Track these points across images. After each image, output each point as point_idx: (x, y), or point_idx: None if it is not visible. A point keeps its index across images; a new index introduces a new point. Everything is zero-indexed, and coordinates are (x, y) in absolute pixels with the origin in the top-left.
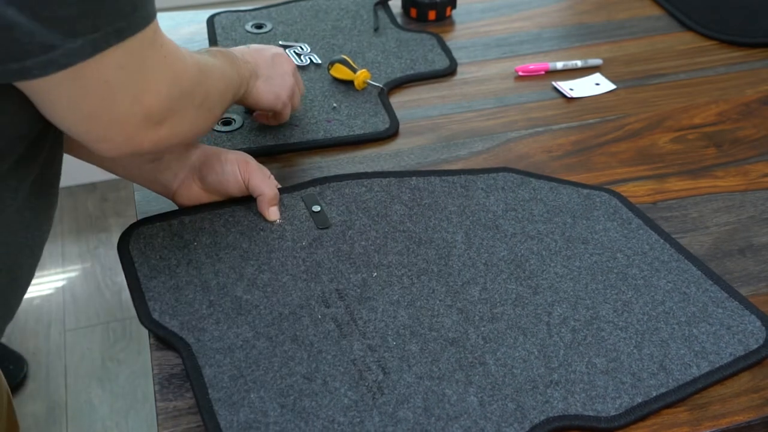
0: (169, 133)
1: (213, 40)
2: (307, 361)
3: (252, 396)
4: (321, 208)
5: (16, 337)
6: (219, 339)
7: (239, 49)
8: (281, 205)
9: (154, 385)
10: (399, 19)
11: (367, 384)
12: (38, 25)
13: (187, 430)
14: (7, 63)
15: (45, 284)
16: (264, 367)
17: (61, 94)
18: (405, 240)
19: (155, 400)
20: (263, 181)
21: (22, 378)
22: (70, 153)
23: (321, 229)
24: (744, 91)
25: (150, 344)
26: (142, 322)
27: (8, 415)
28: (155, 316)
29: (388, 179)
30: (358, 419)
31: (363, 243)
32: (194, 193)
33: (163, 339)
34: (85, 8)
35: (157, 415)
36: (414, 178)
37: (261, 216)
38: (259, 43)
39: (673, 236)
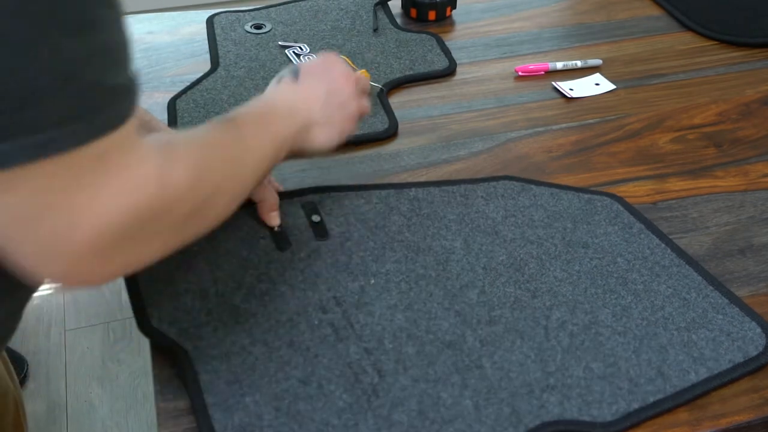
0: (132, 262)
1: (212, 41)
2: (303, 365)
3: (247, 400)
4: (320, 219)
5: (16, 337)
6: (216, 346)
7: (289, 93)
8: (281, 211)
9: (154, 385)
10: (399, 20)
11: (362, 386)
12: None
13: (187, 430)
14: None
15: (45, 284)
16: (260, 372)
17: None
18: (403, 249)
19: (155, 400)
20: (264, 187)
21: (22, 378)
22: None
23: (319, 240)
24: (744, 91)
25: (150, 345)
26: (141, 330)
27: (15, 422)
28: (154, 323)
29: (387, 191)
30: (353, 422)
31: (361, 254)
32: None
33: (161, 346)
34: None
35: (157, 415)
36: (413, 189)
37: (261, 222)
38: (258, 43)
39: (673, 237)
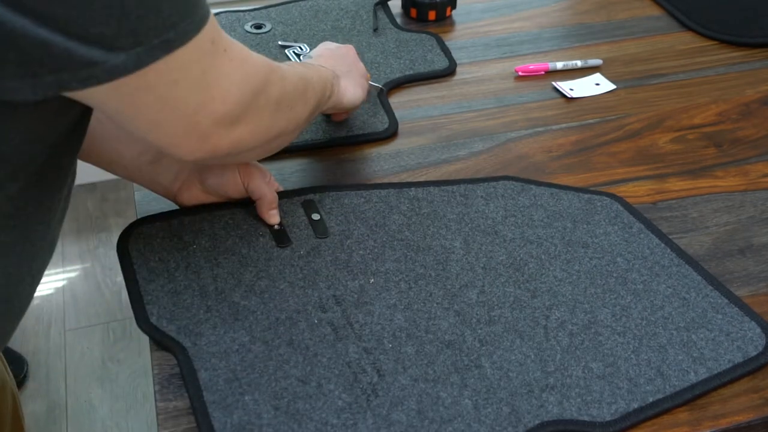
0: (248, 131)
1: None
2: (302, 364)
3: (246, 398)
4: (320, 217)
5: (16, 337)
6: (215, 343)
7: (313, 60)
8: (281, 210)
9: (154, 385)
10: (399, 20)
11: (361, 386)
12: (75, 44)
13: (187, 430)
14: (45, 76)
15: (45, 284)
16: (259, 371)
17: (111, 107)
18: (403, 248)
19: (155, 400)
20: (263, 185)
21: (22, 378)
22: None
23: (319, 238)
24: (744, 91)
25: (150, 344)
26: (140, 326)
27: (14, 415)
28: (153, 320)
29: (387, 191)
30: (352, 421)
31: (361, 252)
32: (195, 195)
33: (160, 342)
34: (124, 23)
35: (157, 415)
36: (413, 188)
37: (260, 219)
38: (258, 43)
39: (673, 236)
